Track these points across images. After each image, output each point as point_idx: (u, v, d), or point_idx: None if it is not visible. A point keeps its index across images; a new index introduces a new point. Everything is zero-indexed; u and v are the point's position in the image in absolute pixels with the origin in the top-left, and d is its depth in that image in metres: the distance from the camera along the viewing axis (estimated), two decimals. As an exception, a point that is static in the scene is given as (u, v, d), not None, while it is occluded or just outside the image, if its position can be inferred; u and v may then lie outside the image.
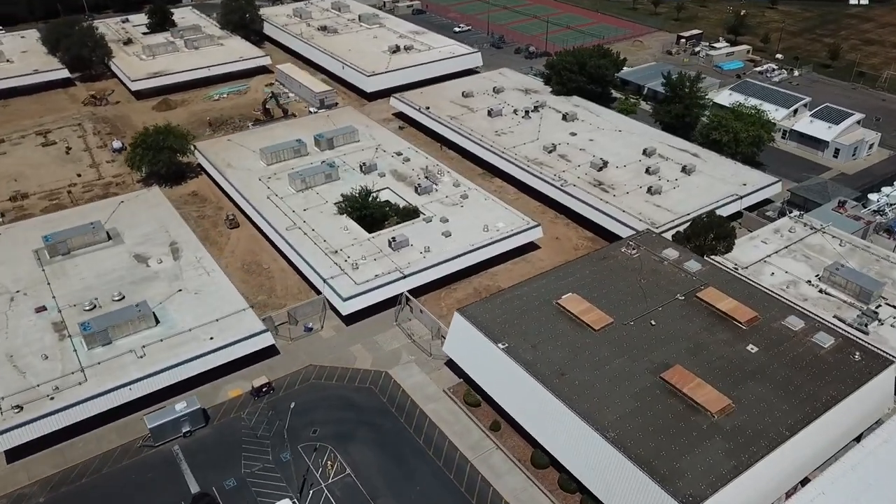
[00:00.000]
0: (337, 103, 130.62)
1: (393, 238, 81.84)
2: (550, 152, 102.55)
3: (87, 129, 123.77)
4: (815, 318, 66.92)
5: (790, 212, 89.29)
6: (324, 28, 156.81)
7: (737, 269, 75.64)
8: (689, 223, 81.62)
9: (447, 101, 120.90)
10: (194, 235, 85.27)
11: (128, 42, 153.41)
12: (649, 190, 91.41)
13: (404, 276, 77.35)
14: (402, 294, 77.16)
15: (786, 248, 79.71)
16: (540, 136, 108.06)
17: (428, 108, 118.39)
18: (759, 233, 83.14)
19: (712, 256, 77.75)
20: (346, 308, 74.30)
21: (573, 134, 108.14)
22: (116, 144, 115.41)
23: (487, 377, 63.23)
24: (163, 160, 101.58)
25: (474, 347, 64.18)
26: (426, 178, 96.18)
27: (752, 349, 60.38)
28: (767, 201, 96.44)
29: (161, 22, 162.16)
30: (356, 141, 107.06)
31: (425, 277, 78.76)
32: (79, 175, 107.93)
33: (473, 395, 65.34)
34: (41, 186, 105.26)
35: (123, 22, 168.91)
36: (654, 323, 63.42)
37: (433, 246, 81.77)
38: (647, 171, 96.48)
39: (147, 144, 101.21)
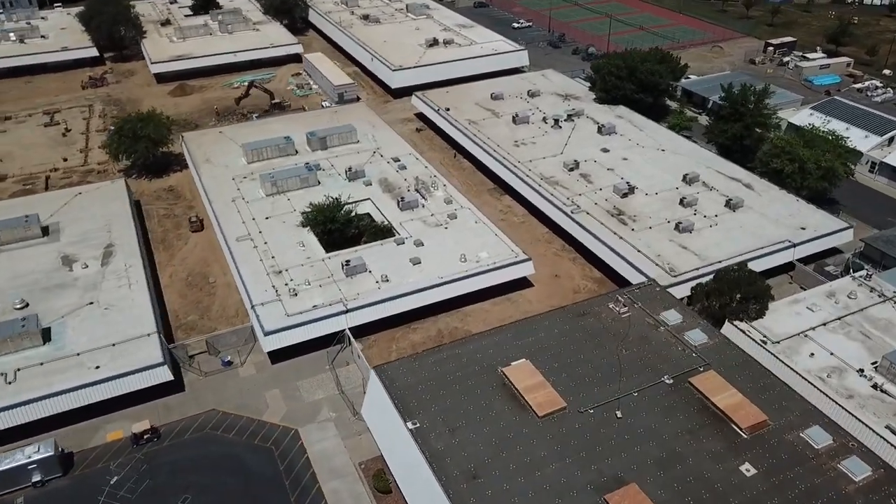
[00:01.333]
0: (358, 98, 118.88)
1: (347, 261, 68.93)
2: (572, 170, 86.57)
3: (96, 110, 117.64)
4: (859, 422, 49.06)
5: (859, 268, 69.91)
6: (366, 17, 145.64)
7: (765, 342, 57.99)
8: (714, 275, 64.32)
9: (472, 103, 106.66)
10: (136, 238, 75.23)
11: (165, 23, 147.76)
12: (678, 226, 74.12)
13: (346, 311, 64.26)
14: (343, 332, 64.17)
15: (839, 319, 60.99)
16: (565, 150, 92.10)
17: (448, 109, 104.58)
18: (805, 295, 64.62)
19: (736, 322, 60.31)
20: (267, 344, 61.99)
21: (605, 150, 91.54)
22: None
23: (395, 460, 49.25)
24: (139, 150, 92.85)
25: (386, 419, 50.33)
26: (416, 190, 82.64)
27: (747, 471, 43.46)
28: (834, 251, 76.90)
29: (205, 4, 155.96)
30: (354, 142, 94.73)
31: (375, 313, 65.39)
32: (65, 160, 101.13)
33: (384, 479, 51.52)
34: (22, 169, 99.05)
35: (171, 2, 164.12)
36: (620, 415, 47.37)
37: (395, 275, 68.30)
38: (681, 201, 78.97)
39: (124, 132, 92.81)
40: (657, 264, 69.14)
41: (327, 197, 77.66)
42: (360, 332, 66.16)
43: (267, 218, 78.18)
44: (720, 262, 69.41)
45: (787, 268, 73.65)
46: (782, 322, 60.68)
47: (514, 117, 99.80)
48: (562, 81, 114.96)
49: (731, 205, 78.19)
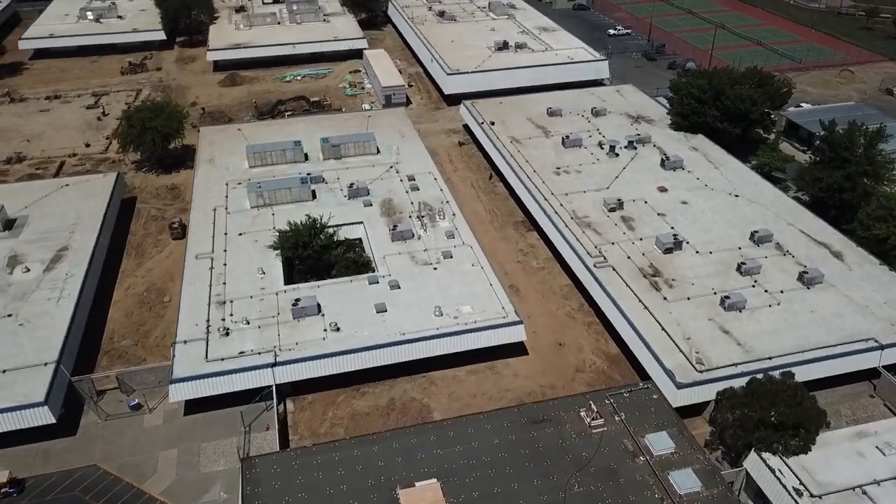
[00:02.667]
0: (407, 102, 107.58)
1: (297, 301, 57.62)
2: (613, 211, 70.84)
3: (142, 96, 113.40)
4: None
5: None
6: (441, 14, 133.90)
7: (800, 493, 41.04)
8: (750, 382, 47.55)
9: (523, 118, 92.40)
10: (93, 243, 67.42)
11: (240, 9, 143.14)
12: (725, 301, 57.15)
13: (274, 364, 52.96)
14: (269, 388, 52.96)
15: (923, 474, 42.78)
16: (614, 184, 76.23)
17: (493, 123, 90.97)
18: (879, 428, 46.38)
19: (767, 454, 43.57)
20: (175, 393, 51.80)
21: (662, 189, 74.79)
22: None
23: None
24: (146, 142, 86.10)
25: (239, 533, 38.54)
26: (418, 218, 70.13)
27: None
28: (944, 358, 57.07)
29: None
30: (371, 153, 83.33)
31: (311, 370, 53.69)
32: (87, 145, 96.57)
33: None
34: (44, 152, 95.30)
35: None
36: None
37: (350, 323, 56.37)
38: (739, 267, 61.59)
39: (133, 122, 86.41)
40: (681, 350, 52.91)
41: (308, 217, 66.75)
42: (301, 386, 54.81)
43: (240, 234, 68.46)
44: (770, 358, 52.26)
45: (870, 373, 54.99)
46: (835, 464, 43.24)
47: (563, 139, 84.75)
48: (638, 100, 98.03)
49: (805, 279, 59.92)
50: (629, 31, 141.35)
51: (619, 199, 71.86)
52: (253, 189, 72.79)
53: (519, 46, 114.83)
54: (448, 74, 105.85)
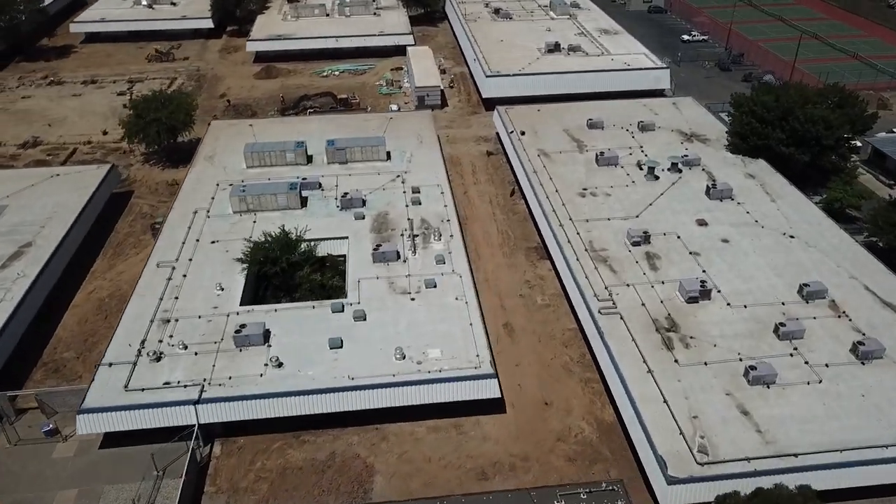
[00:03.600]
0: (441, 105, 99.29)
1: (240, 327, 50.46)
2: (636, 245, 60.32)
3: (176, 85, 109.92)
4: None
5: None
6: (497, 11, 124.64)
7: None
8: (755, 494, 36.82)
9: (559, 129, 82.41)
10: (58, 240, 62.66)
11: (292, 0, 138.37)
12: (749, 372, 46.07)
13: (197, 401, 45.92)
14: (193, 428, 46.01)
15: None
16: (645, 212, 65.49)
17: (523, 133, 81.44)
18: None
19: None
20: (83, 424, 45.59)
21: (702, 223, 63.48)
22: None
23: None
24: (150, 134, 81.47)
25: None
26: (411, 237, 61.78)
27: None
28: None
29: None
30: (379, 159, 75.53)
31: (238, 412, 46.38)
32: (104, 133, 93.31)
33: None
34: (60, 138, 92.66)
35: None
36: None
37: (295, 359, 48.83)
38: (776, 329, 50.12)
39: (139, 112, 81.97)
40: (682, 432, 42.46)
41: (282, 229, 59.71)
42: (236, 426, 47.67)
43: (213, 242, 62.13)
44: (797, 455, 41.14)
45: (934, 485, 42.83)
46: None
47: (597, 156, 74.35)
48: (695, 115, 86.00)
49: (861, 351, 47.93)
50: (706, 37, 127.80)
51: (645, 232, 61.16)
52: (236, 192, 66.41)
53: (572, 49, 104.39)
54: (487, 76, 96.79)
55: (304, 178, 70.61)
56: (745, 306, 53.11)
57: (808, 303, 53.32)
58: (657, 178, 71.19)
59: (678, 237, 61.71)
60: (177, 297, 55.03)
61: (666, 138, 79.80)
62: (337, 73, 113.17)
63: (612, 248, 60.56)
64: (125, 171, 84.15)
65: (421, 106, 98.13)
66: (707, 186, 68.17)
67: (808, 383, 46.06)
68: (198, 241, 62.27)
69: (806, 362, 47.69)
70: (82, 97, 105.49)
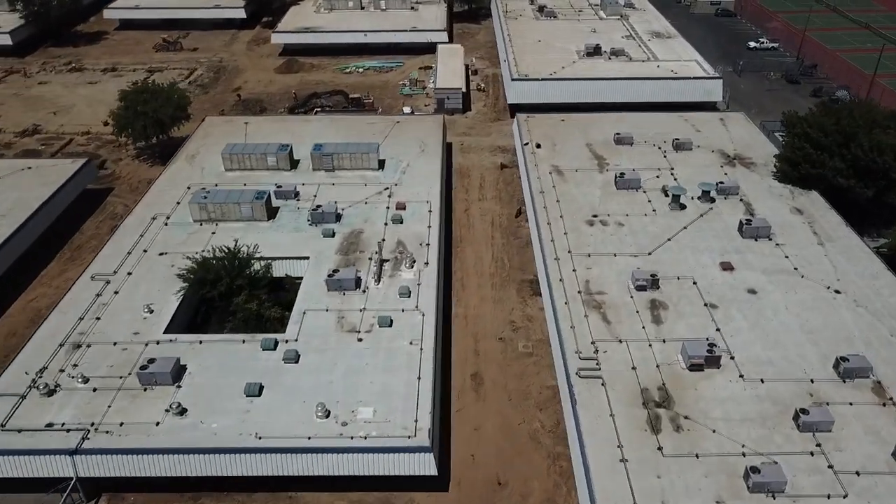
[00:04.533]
0: (463, 109, 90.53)
1: (148, 362, 43.44)
2: (641, 290, 50.33)
3: (194, 76, 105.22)
4: None
5: None
6: (541, 9, 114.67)
7: None
8: None
9: (581, 143, 72.51)
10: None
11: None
12: (749, 476, 35.73)
13: (76, 451, 39.07)
14: (71, 481, 39.28)
15: None
16: (660, 249, 55.19)
17: (539, 146, 71.99)
18: None
19: None
20: (-54, 467, 39.51)
21: (727, 267, 52.72)
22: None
23: None
24: (136, 128, 76.11)
25: None
26: (380, 262, 53.54)
27: None
28: None
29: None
30: (370, 168, 67.56)
31: (123, 466, 39.26)
32: (105, 124, 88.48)
33: None
34: (61, 127, 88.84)
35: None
36: None
37: (204, 406, 41.51)
38: (796, 417, 39.42)
39: (126, 104, 76.74)
40: (648, 557, 32.73)
41: (228, 249, 52.57)
42: (127, 479, 40.69)
43: (161, 254, 55.60)
44: None
45: None
46: None
47: (617, 177, 64.21)
48: (743, 134, 74.36)
49: (906, 458, 36.92)
50: (775, 44, 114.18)
51: (653, 275, 50.99)
52: (197, 199, 59.72)
53: (615, 53, 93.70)
54: (512, 80, 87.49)
55: (279, 186, 63.45)
56: (763, 381, 42.53)
57: (844, 382, 42.30)
58: (683, 207, 60.56)
59: (694, 283, 51.25)
60: (98, 318, 48.62)
61: (703, 160, 68.76)
62: (361, 70, 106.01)
63: (612, 291, 50.70)
64: (113, 165, 79.43)
65: (441, 109, 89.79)
66: (741, 221, 57.13)
67: (829, 497, 35.45)
68: (145, 251, 55.87)
69: (830, 466, 37.01)
70: (97, 85, 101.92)
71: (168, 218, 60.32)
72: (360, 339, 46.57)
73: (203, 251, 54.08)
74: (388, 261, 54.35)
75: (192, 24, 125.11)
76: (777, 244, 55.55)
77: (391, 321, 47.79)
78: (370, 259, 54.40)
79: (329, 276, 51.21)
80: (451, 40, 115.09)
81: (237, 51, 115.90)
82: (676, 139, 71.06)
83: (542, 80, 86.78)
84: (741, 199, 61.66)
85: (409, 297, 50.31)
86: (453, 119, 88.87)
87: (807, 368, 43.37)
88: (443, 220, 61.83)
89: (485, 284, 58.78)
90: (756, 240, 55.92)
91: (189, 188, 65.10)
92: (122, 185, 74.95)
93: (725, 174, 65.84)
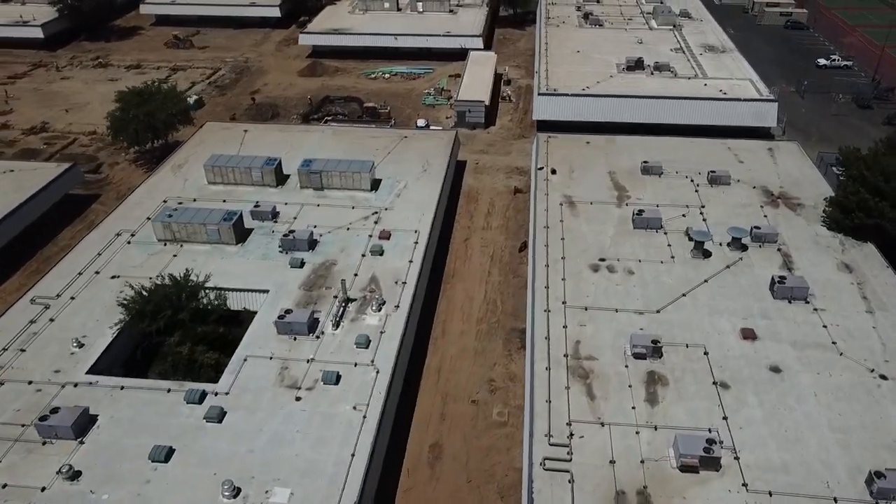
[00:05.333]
0: (486, 123, 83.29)
1: (51, 412, 38.22)
2: (639, 358, 42.36)
3: (216, 76, 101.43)
4: None
5: None
6: (586, 16, 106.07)
7: None
8: None
9: (603, 170, 64.43)
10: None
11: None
12: None
13: (-58, 517, 34.17)
14: (-60, 547, 34.45)
15: None
16: (670, 308, 46.91)
17: (554, 171, 64.29)
18: None
19: None
20: None
21: (749, 336, 44.06)
22: (189, 101, 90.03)
23: None
24: (128, 132, 72.08)
25: None
26: (344, 302, 47.22)
27: None
28: None
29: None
30: (361, 188, 61.30)
31: (-3, 538, 34.19)
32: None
33: None
34: (69, 125, 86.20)
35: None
36: None
37: (102, 471, 36.03)
38: (809, 552, 31.06)
39: (122, 106, 72.79)
40: None
41: (176, 275, 47.24)
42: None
43: (114, 277, 50.75)
44: None
45: None
46: None
47: (635, 214, 55.93)
48: (794, 168, 64.72)
49: None
50: (849, 62, 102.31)
51: (655, 341, 42.90)
52: (161, 217, 54.66)
53: (658, 68, 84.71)
54: (539, 94, 79.76)
55: (256, 205, 57.89)
56: (771, 494, 34.16)
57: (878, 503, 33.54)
58: (707, 255, 51.93)
59: (705, 353, 42.92)
60: (23, 350, 43.92)
61: (741, 197, 59.69)
62: (387, 75, 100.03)
63: (605, 357, 42.91)
64: (108, 169, 75.86)
65: (461, 123, 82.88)
66: (773, 278, 48.18)
67: None
68: (97, 273, 51.16)
69: None
70: (117, 83, 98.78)
71: (133, 235, 55.58)
72: (298, 398, 40.29)
73: (158, 276, 48.99)
74: (354, 301, 47.95)
75: (227, 21, 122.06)
76: (815, 309, 46.46)
77: (338, 377, 41.35)
78: (335, 297, 48.11)
79: (280, 316, 45.13)
80: (489, 47, 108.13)
81: (265, 51, 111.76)
82: (713, 172, 62.08)
83: (572, 95, 78.73)
84: (779, 249, 52.54)
85: (367, 348, 43.75)
86: (473, 134, 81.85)
87: (830, 482, 34.73)
88: (429, 254, 54.99)
89: (469, 331, 51.67)
90: (790, 302, 46.97)
91: (165, 202, 60.35)
92: (111, 191, 71.06)
93: (765, 216, 56.72)
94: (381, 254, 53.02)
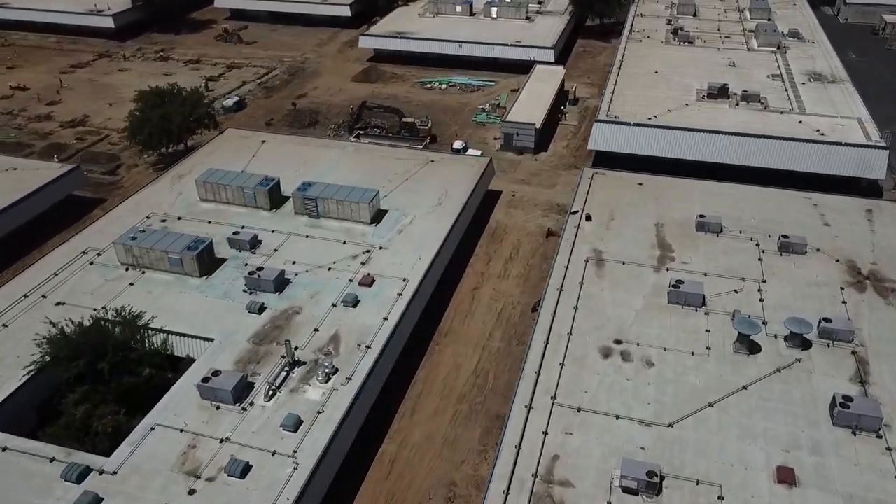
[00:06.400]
0: (534, 149, 73.61)
1: None
2: (629, 494, 32.24)
3: (268, 76, 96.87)
4: None
5: None
6: (676, 31, 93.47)
7: None
8: None
9: (648, 222, 53.66)
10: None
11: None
12: None
13: None
14: None
15: None
16: (687, 422, 36.25)
17: (588, 218, 54.18)
18: None
19: None
20: None
21: (787, 479, 32.83)
22: (228, 102, 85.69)
23: None
24: (143, 135, 67.82)
25: None
26: (290, 364, 39.74)
27: None
28: None
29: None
30: (360, 220, 53.59)
31: None
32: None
33: None
34: (108, 120, 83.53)
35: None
36: None
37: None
38: None
39: (141, 107, 68.66)
40: None
41: (115, 313, 41.36)
42: None
43: (59, 304, 45.59)
44: None
45: None
46: None
47: (671, 285, 45.14)
48: (893, 241, 51.43)
49: None
50: None
51: (652, 473, 32.61)
52: (124, 240, 49.08)
53: (747, 98, 72.00)
54: (596, 121, 69.28)
55: (235, 232, 51.38)
56: None
57: None
58: (755, 350, 40.68)
59: (720, 498, 32.22)
60: (-72, 386, 39.18)
61: (816, 273, 47.51)
62: (443, 86, 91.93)
63: (585, 484, 33.10)
64: (125, 172, 72.14)
65: (508, 146, 73.71)
66: (836, 397, 36.48)
67: None
68: (44, 297, 46.17)
69: None
70: (170, 78, 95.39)
71: (99, 255, 50.42)
72: (191, 492, 33.05)
73: (103, 308, 43.33)
74: (302, 364, 40.31)
75: (298, 18, 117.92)
76: (888, 448, 34.58)
77: (244, 470, 33.80)
78: (282, 358, 40.64)
79: (204, 379, 38.09)
80: (564, 60, 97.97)
81: (327, 52, 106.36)
82: (785, 237, 50.05)
83: (634, 124, 67.76)
84: (853, 352, 40.51)
85: (295, 432, 35.97)
86: (519, 160, 72.50)
87: None
88: (415, 310, 46.51)
89: (445, 411, 42.88)
90: (855, 433, 35.28)
91: (149, 218, 55.11)
92: (117, 196, 66.81)
93: (843, 302, 44.56)
94: (355, 305, 45.13)
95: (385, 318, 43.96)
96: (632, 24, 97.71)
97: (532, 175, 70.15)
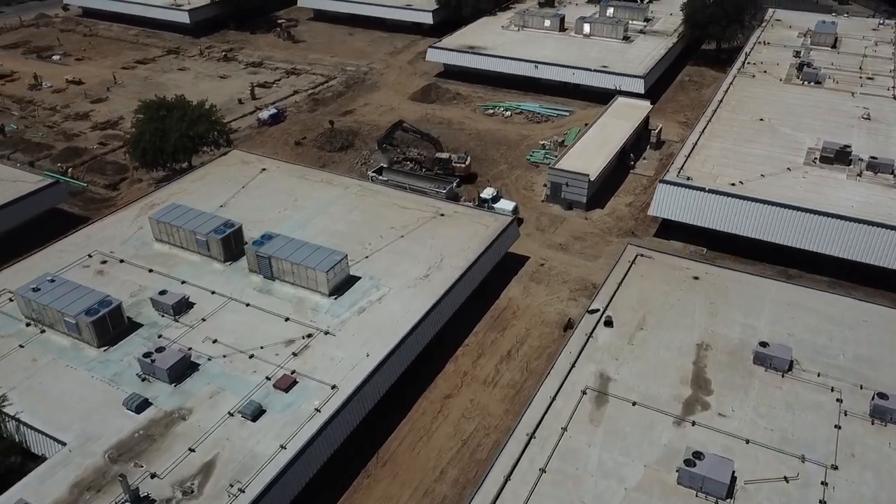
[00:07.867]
0: (586, 204, 59.83)
1: None
2: None
3: (323, 87, 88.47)
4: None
5: None
6: (801, 67, 75.23)
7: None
8: None
9: (687, 343, 39.24)
10: None
11: (546, 2, 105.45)
12: None
13: None
14: None
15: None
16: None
17: (608, 323, 40.43)
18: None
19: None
20: None
21: None
22: (264, 114, 77.89)
23: None
24: (137, 151, 60.74)
25: None
26: (124, 500, 30.02)
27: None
28: None
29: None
30: (318, 290, 42.96)
31: None
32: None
33: None
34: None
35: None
36: None
37: None
38: None
39: (142, 120, 61.67)
40: None
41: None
42: None
43: (-62, 358, 38.48)
44: None
45: None
46: None
47: (685, 462, 31.01)
48: None
49: None
50: None
51: None
52: (24, 290, 41.18)
53: (874, 167, 54.49)
54: (661, 182, 54.58)
55: (162, 292, 42.32)
56: None
57: None
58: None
59: None
60: None
61: (875, 353, 31.77)
62: (508, 112, 79.47)
63: None
64: (125, 187, 65.76)
65: (555, 198, 60.53)
66: None
67: None
68: (-64, 345, 39.28)
69: None
70: (224, 80, 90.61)
71: (11, 299, 43.08)
72: None
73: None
74: (137, 498, 30.31)
75: (380, 23, 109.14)
76: None
77: None
78: (130, 489, 30.81)
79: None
80: (661, 91, 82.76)
81: (396, 62, 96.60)
82: (883, 396, 34.26)
83: (708, 191, 52.52)
84: None
85: None
86: (565, 217, 59.23)
87: None
88: (337, 435, 35.24)
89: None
90: None
91: (91, 256, 47.44)
92: (104, 216, 60.23)
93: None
94: (255, 418, 34.61)
95: (282, 448, 33.08)
96: (748, 54, 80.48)
97: (574, 239, 56.62)
